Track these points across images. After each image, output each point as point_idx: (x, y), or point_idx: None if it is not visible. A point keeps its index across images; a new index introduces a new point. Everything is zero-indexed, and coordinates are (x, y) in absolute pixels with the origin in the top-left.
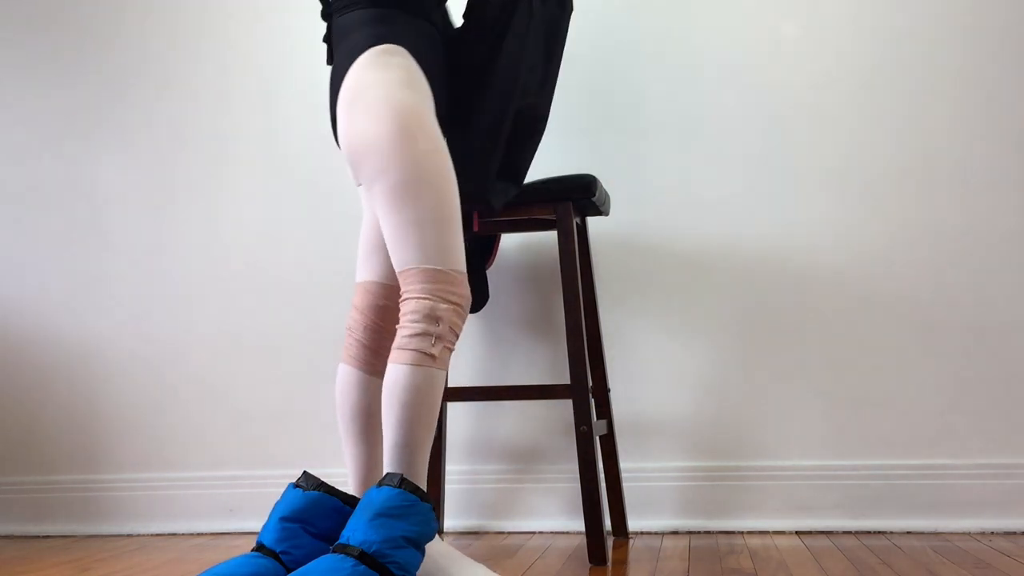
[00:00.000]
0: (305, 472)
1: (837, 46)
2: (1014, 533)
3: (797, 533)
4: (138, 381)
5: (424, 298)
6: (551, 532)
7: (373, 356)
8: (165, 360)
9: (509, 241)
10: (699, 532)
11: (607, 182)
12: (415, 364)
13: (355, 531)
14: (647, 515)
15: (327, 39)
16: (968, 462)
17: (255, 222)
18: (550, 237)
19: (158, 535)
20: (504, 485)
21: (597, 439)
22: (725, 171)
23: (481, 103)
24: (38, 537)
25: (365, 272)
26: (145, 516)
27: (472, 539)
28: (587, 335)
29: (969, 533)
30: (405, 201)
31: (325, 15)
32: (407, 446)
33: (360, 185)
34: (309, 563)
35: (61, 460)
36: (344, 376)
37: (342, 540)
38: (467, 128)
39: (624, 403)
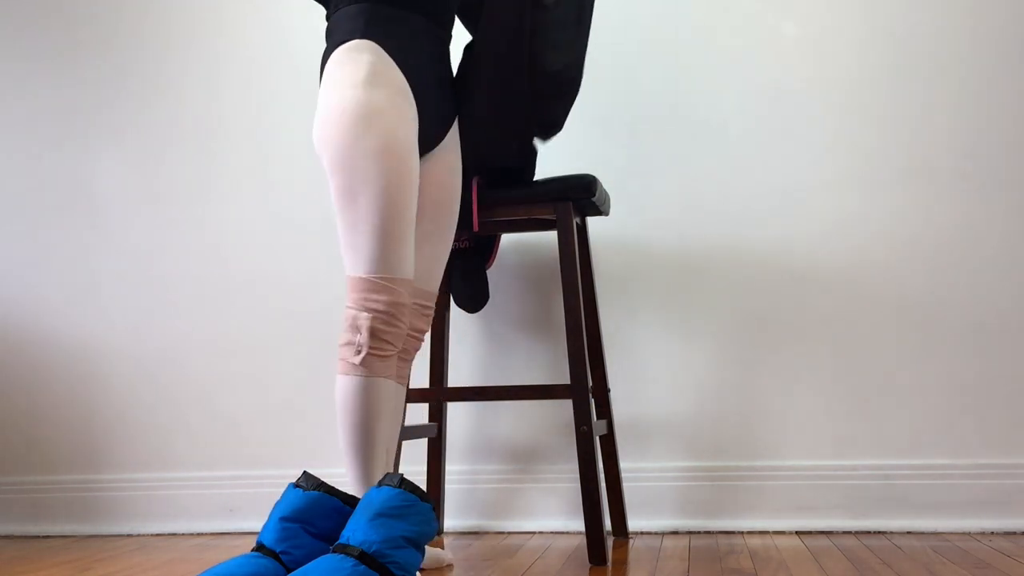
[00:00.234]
0: (305, 472)
1: (838, 46)
2: (1014, 533)
3: (797, 533)
4: (138, 381)
5: (348, 307)
6: (551, 532)
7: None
8: (165, 360)
9: (509, 241)
10: (699, 532)
11: (607, 182)
12: (341, 373)
13: (355, 531)
14: (647, 515)
15: None
16: (968, 462)
17: (255, 223)
18: (550, 237)
19: (158, 535)
20: (504, 485)
21: (597, 439)
22: (725, 171)
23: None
24: (38, 537)
25: None
26: (145, 516)
27: (472, 539)
28: (587, 335)
29: (969, 533)
30: (343, 205)
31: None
32: (345, 452)
33: None
34: (309, 563)
35: (61, 460)
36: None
37: (342, 540)
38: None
39: (624, 403)
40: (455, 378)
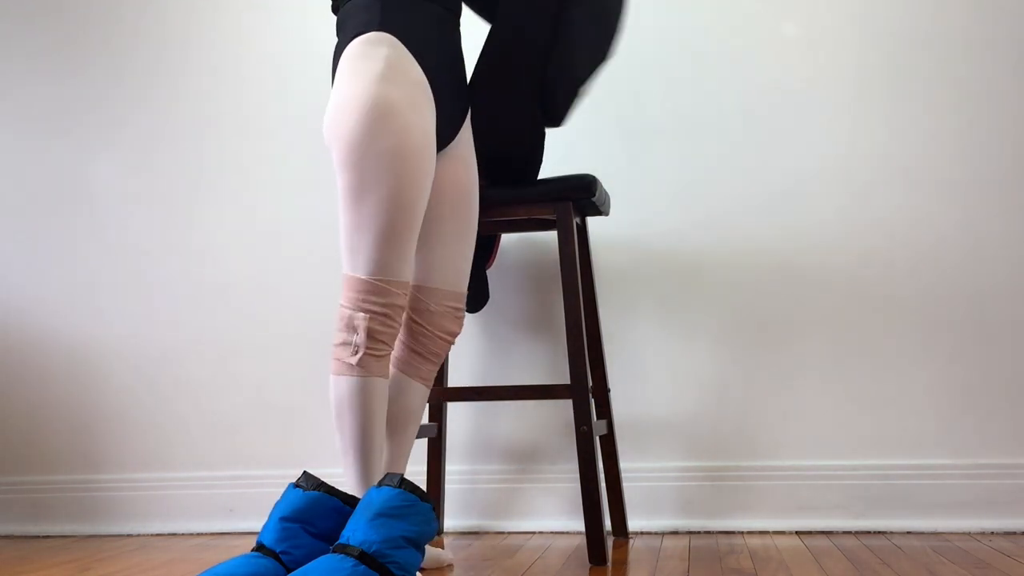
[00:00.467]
0: (305, 472)
1: (837, 46)
2: (1014, 533)
3: (797, 533)
4: (138, 381)
5: (344, 306)
6: (551, 532)
7: (412, 357)
8: (165, 360)
9: (509, 241)
10: (699, 532)
11: (607, 182)
12: (336, 374)
13: (355, 531)
14: (647, 515)
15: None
16: (968, 462)
17: (255, 223)
18: (550, 237)
19: (158, 535)
20: (504, 485)
21: (597, 439)
22: (725, 171)
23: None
24: (38, 537)
25: None
26: (145, 516)
27: (472, 539)
28: (587, 335)
29: (969, 533)
30: (348, 204)
31: (335, 8)
32: (344, 453)
33: None
34: (309, 563)
35: (61, 460)
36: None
37: (342, 540)
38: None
39: (624, 403)
40: (455, 378)
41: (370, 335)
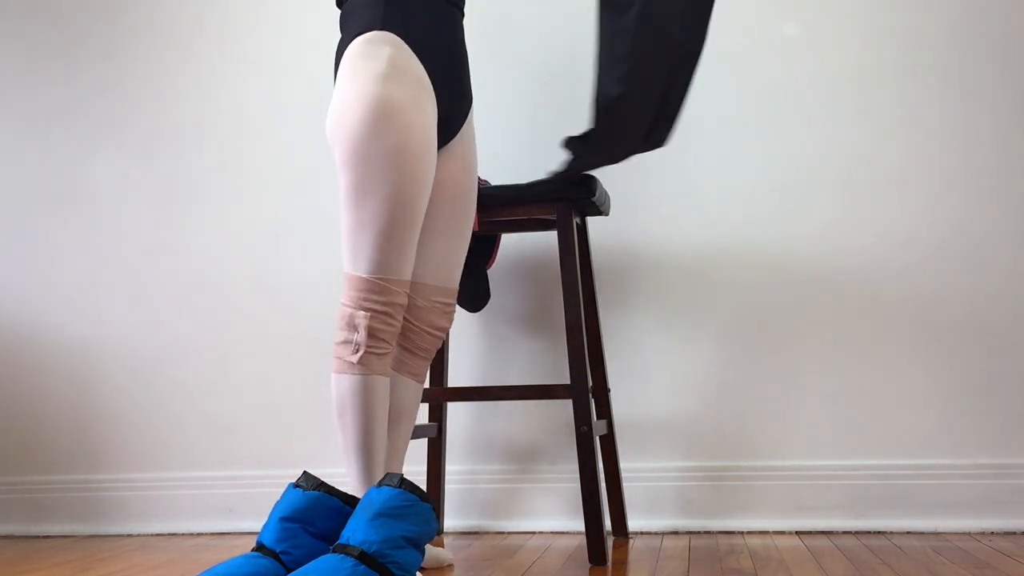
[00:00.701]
0: (305, 472)
1: (838, 46)
2: (1014, 533)
3: (797, 533)
4: (138, 381)
5: (345, 304)
6: (551, 532)
7: (402, 353)
8: (164, 360)
9: (509, 241)
10: (699, 532)
11: (607, 182)
12: (338, 372)
13: (355, 531)
14: (647, 515)
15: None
16: (968, 462)
17: (254, 222)
18: (550, 237)
19: (158, 535)
20: (504, 485)
21: (597, 439)
22: (725, 171)
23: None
24: (38, 537)
25: None
26: (145, 516)
27: (472, 539)
28: (587, 335)
29: (969, 533)
30: (350, 203)
31: (339, 2)
32: (346, 452)
33: None
34: (309, 563)
35: (61, 460)
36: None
37: (342, 540)
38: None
39: (624, 403)
40: (455, 378)
41: (371, 333)
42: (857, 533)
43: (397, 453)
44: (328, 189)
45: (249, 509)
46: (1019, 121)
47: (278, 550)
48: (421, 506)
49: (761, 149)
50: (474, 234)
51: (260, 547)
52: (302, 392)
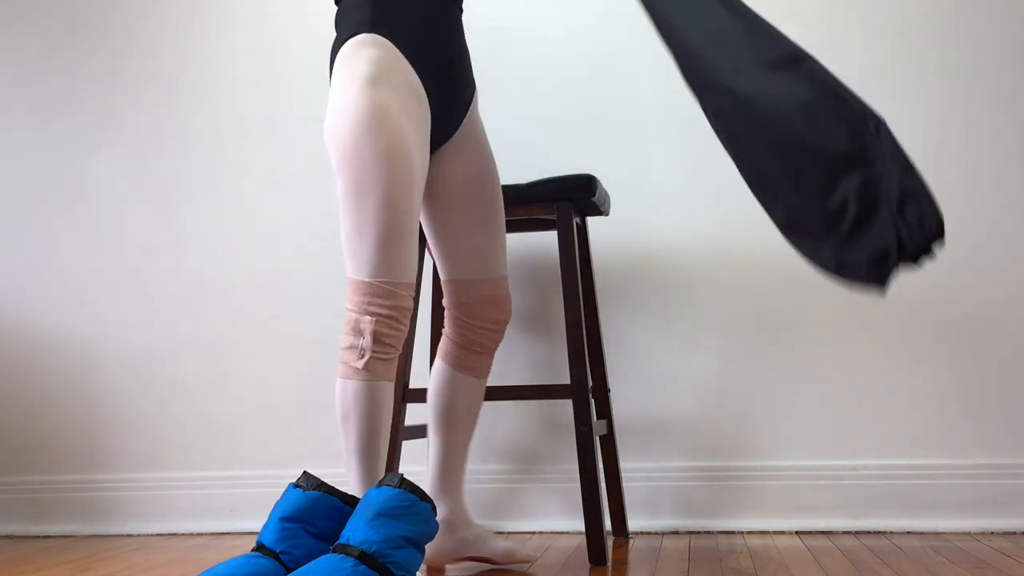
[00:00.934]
0: (305, 472)
1: (838, 46)
2: (1014, 533)
3: (797, 533)
4: (138, 381)
5: (350, 310)
6: (551, 532)
7: (457, 350)
8: (164, 360)
9: (509, 241)
10: (699, 532)
11: (607, 182)
12: (343, 377)
13: (355, 531)
14: (647, 515)
15: None
16: (968, 462)
17: (254, 222)
18: (550, 237)
19: (158, 535)
20: (504, 485)
21: (597, 439)
22: (725, 171)
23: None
24: (38, 537)
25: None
26: (145, 516)
27: None
28: (587, 335)
29: (969, 533)
30: (348, 207)
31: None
32: (349, 456)
33: None
34: (309, 563)
35: (61, 460)
36: (434, 370)
37: (342, 540)
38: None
39: (624, 403)
40: None
41: (376, 338)
42: (857, 533)
43: (450, 449)
44: (328, 189)
45: (249, 509)
46: (1019, 121)
47: (278, 550)
48: (421, 506)
49: None
50: None
51: (260, 547)
52: (302, 392)
